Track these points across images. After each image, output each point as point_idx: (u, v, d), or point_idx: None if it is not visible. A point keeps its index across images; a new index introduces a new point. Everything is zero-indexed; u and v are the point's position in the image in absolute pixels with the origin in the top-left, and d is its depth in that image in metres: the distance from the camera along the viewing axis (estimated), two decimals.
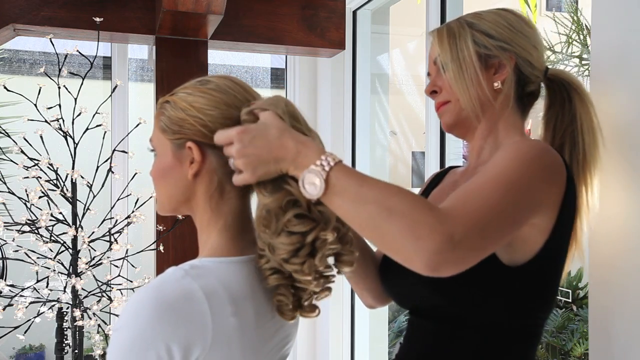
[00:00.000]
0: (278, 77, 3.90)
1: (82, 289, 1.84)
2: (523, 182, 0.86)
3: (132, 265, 1.96)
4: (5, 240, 1.80)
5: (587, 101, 1.05)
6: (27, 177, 1.80)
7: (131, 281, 1.93)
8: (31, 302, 1.79)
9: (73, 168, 1.84)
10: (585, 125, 1.04)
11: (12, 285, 1.79)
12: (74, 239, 1.84)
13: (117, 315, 1.85)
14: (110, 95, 2.16)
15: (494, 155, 0.93)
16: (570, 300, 3.40)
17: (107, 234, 1.90)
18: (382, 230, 0.77)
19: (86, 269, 1.83)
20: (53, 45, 1.84)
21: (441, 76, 1.05)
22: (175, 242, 1.94)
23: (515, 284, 0.93)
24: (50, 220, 1.80)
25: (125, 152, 1.99)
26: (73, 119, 1.84)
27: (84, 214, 1.86)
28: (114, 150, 1.93)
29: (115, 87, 1.98)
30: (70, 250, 1.84)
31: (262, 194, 0.83)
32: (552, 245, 0.93)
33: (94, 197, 1.87)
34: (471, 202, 0.81)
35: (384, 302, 1.18)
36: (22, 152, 1.80)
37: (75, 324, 1.82)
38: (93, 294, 1.88)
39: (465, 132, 1.07)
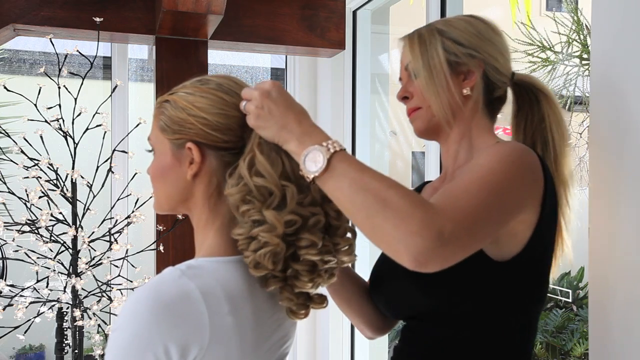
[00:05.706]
0: (278, 77, 3.89)
1: (82, 289, 1.84)
2: (507, 183, 0.89)
3: (132, 265, 1.96)
4: (5, 240, 1.80)
5: (553, 101, 1.10)
6: (27, 177, 1.80)
7: (131, 281, 1.93)
8: (31, 302, 1.79)
9: (73, 168, 1.84)
10: (554, 124, 1.09)
11: (12, 285, 1.79)
12: (74, 239, 1.84)
13: (117, 315, 1.84)
14: (110, 95, 2.16)
15: (474, 158, 0.97)
16: (570, 300, 3.40)
17: (107, 234, 1.90)
18: (374, 221, 0.78)
19: (86, 269, 1.83)
20: (53, 45, 1.84)
21: (412, 82, 1.08)
22: (175, 242, 1.94)
23: (505, 278, 0.95)
24: (50, 220, 1.80)
25: (125, 152, 1.99)
26: (73, 119, 1.84)
27: (84, 214, 1.86)
28: (114, 150, 1.93)
29: (115, 87, 1.97)
30: (70, 250, 1.84)
31: (231, 184, 0.84)
32: (537, 238, 0.96)
33: (94, 197, 1.87)
34: (459, 200, 0.83)
35: (383, 332, 1.21)
36: (22, 152, 1.80)
37: (75, 324, 1.82)
38: (93, 294, 1.88)
39: (437, 137, 1.10)
